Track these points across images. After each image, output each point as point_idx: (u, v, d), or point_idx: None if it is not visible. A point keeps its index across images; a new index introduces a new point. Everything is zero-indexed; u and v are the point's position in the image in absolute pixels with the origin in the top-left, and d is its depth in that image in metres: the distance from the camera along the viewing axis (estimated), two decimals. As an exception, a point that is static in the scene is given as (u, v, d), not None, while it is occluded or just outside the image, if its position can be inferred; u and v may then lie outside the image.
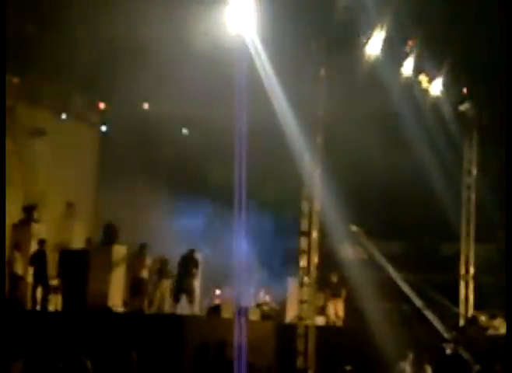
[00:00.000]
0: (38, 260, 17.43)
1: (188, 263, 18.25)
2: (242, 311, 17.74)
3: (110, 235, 17.90)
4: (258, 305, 19.50)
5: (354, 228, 20.48)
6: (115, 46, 16.43)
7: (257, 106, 15.52)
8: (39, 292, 17.44)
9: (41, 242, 17.70)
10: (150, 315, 17.30)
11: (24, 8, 15.49)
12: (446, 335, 17.60)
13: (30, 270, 17.58)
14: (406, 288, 19.81)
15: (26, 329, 15.36)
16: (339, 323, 19.73)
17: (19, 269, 17.68)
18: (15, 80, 18.88)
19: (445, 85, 19.07)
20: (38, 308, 17.24)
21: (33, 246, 17.94)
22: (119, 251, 17.73)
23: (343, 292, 19.73)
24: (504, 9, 14.83)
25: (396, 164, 19.97)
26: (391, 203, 21.04)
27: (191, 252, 18.34)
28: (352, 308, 19.51)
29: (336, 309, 19.88)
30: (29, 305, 17.36)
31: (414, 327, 18.98)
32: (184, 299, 18.14)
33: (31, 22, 16.08)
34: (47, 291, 17.60)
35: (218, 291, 19.36)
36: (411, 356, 16.22)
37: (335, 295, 19.85)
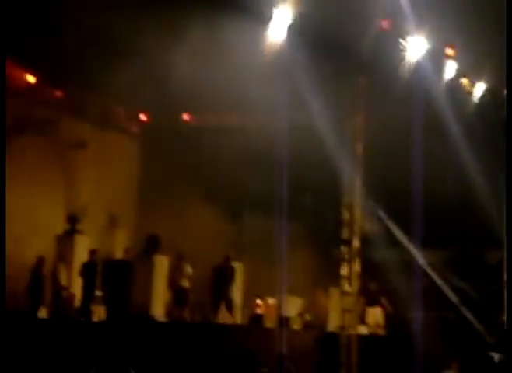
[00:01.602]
0: (89, 271, 17.54)
1: (224, 270, 18.30)
2: (284, 321, 17.74)
3: (152, 245, 18.04)
4: (300, 315, 19.42)
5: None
6: (155, 57, 16.59)
7: (297, 115, 15.58)
8: (86, 302, 17.54)
9: (92, 253, 17.79)
10: (193, 324, 17.35)
11: (66, 21, 15.75)
12: (492, 343, 17.36)
13: (78, 281, 17.69)
14: (451, 296, 19.58)
15: (76, 339, 15.55)
16: (381, 332, 19.55)
17: (63, 279, 17.86)
18: (58, 93, 19.16)
19: (488, 89, 18.90)
20: (85, 318, 17.35)
21: (77, 257, 18.10)
22: (161, 261, 17.85)
23: (382, 300, 19.55)
24: (505, 9, 14.57)
25: (438, 171, 19.76)
26: (434, 210, 20.81)
27: (226, 259, 18.38)
28: (394, 316, 19.32)
29: (376, 318, 19.71)
30: (75, 316, 17.49)
31: (459, 336, 18.73)
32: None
33: (73, 35, 16.26)
34: (92, 301, 17.73)
35: (259, 301, 19.31)
36: (455, 365, 16.02)
37: (374, 303, 19.68)
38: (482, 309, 20.01)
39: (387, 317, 19.51)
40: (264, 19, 15.21)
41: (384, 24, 16.50)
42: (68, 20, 15.59)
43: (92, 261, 17.66)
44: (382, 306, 19.53)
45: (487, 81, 18.91)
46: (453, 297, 19.60)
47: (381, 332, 19.57)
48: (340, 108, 16.53)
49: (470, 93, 19.09)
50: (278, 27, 15.45)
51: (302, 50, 15.81)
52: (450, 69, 18.30)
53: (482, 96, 19.04)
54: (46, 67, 17.47)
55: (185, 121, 21.61)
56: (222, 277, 18.17)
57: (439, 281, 19.98)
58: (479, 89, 19.05)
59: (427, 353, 16.54)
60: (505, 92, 19.34)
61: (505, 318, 16.62)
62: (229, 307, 18.17)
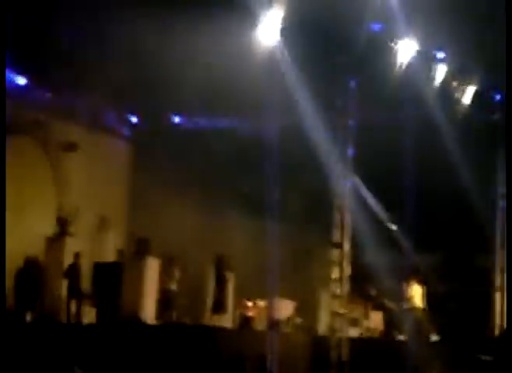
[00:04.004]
0: (72, 273, 17.53)
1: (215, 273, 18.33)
2: (274, 323, 17.73)
3: (142, 247, 18.00)
4: (290, 317, 19.43)
5: (394, 226, 20.27)
6: (146, 60, 16.56)
7: (288, 117, 15.59)
8: (73, 305, 17.51)
9: (76, 256, 17.81)
10: (182, 326, 17.31)
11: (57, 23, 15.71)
12: (481, 345, 17.39)
13: (64, 283, 17.68)
14: (440, 299, 19.63)
15: (61, 342, 15.50)
16: (375, 335, 19.59)
17: (51, 281, 17.80)
18: (49, 95, 19.10)
19: (477, 93, 18.93)
20: (72, 320, 17.32)
21: (67, 260, 18.05)
22: (152, 264, 17.81)
23: (386, 303, 19.58)
24: (505, 9, 14.61)
25: (428, 174, 19.79)
26: (425, 213, 20.82)
27: (218, 262, 18.39)
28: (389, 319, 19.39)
29: (376, 322, 19.75)
30: (62, 318, 17.45)
31: (447, 337, 18.76)
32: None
33: (64, 38, 16.23)
34: (81, 303, 17.69)
35: (249, 303, 19.32)
36: (441, 366, 16.06)
37: (377, 308, 19.71)
38: (470, 312, 20.06)
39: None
40: (254, 20, 15.18)
41: (375, 27, 16.54)
42: (58, 21, 15.55)
43: (75, 263, 17.64)
44: (385, 310, 19.56)
45: (477, 84, 18.94)
46: (442, 299, 19.63)
47: (375, 335, 19.63)
48: (331, 109, 16.54)
49: (460, 96, 19.11)
50: (269, 29, 15.42)
51: (292, 51, 15.82)
52: (441, 72, 18.32)
53: (473, 99, 19.06)
54: (36, 68, 17.43)
55: (176, 124, 21.62)
56: (211, 279, 18.19)
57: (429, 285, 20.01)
58: (470, 92, 19.07)
59: (417, 356, 16.56)
60: (495, 94, 19.51)
61: (505, 317, 16.67)
62: (220, 309, 18.17)
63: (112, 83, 16.61)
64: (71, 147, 19.46)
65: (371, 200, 18.81)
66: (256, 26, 15.26)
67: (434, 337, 18.36)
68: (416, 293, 18.94)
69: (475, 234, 20.24)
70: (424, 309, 18.75)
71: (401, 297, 18.82)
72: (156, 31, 15.11)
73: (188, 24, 15.00)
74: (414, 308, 18.60)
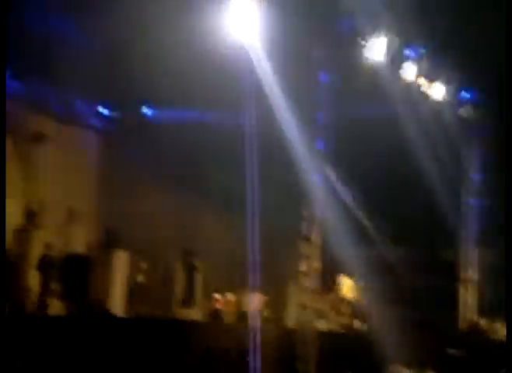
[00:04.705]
0: (45, 265, 17.35)
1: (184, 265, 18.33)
2: (243, 316, 17.78)
3: (111, 240, 17.93)
4: (259, 310, 19.47)
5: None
6: (116, 49, 16.47)
7: (260, 110, 15.57)
8: (43, 297, 17.35)
9: (47, 247, 17.61)
10: (151, 319, 17.26)
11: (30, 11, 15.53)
12: (449, 339, 17.64)
13: (35, 275, 17.49)
14: (409, 293, 19.86)
15: (30, 334, 15.34)
16: (341, 328, 19.76)
17: (19, 274, 17.62)
18: (18, 85, 18.87)
19: (446, 88, 19.13)
20: (41, 312, 17.16)
21: (35, 251, 17.87)
22: (120, 256, 17.75)
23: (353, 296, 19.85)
24: (505, 9, 14.84)
25: (397, 169, 19.99)
26: (392, 207, 21.04)
27: (187, 255, 18.37)
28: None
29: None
30: (31, 310, 17.28)
31: (415, 331, 18.98)
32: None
33: (36, 26, 16.05)
34: (49, 295, 17.54)
35: (217, 295, 19.33)
36: (410, 360, 16.25)
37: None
38: (438, 306, 20.31)
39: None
40: (229, 11, 15.16)
41: (346, 23, 16.64)
42: (30, 9, 15.38)
43: (47, 255, 17.47)
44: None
45: (445, 81, 19.15)
46: (411, 293, 19.87)
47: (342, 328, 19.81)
48: (304, 105, 16.60)
49: (428, 93, 19.31)
50: (243, 21, 15.40)
51: (264, 45, 15.83)
52: (410, 70, 18.48)
53: (443, 96, 19.28)
54: (6, 57, 17.18)
55: (147, 115, 21.53)
56: (181, 272, 18.18)
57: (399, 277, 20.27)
58: (438, 89, 19.28)
59: (385, 349, 16.72)
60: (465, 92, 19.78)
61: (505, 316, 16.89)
62: (189, 302, 18.16)
63: (83, 74, 16.48)
64: (40, 138, 19.26)
65: (343, 194, 18.92)
66: (231, 18, 15.23)
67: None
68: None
69: (442, 229, 20.52)
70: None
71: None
72: (130, 21, 15.02)
73: (163, 14, 14.94)
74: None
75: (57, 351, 15.07)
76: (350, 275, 19.61)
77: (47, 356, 14.93)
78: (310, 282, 16.94)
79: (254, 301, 19.36)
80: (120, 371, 14.97)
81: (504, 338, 17.08)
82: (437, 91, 19.27)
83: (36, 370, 14.45)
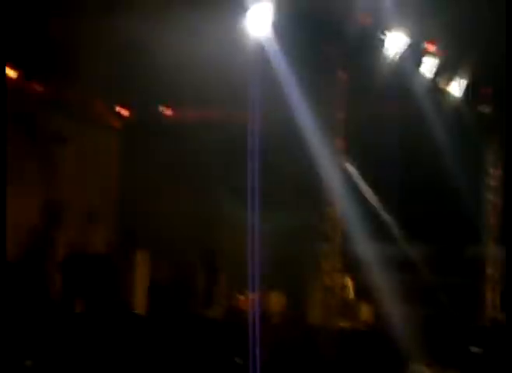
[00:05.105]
0: (69, 266, 17.45)
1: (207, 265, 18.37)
2: (261, 315, 17.75)
3: (131, 240, 18.01)
4: (281, 310, 19.47)
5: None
6: (133, 51, 16.51)
7: (277, 109, 15.57)
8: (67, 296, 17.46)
9: (69, 247, 17.71)
10: (171, 317, 17.31)
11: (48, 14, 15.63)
12: (471, 337, 17.50)
13: (59, 275, 17.60)
14: (430, 291, 19.74)
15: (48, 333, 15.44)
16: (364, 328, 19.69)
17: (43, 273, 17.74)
18: (38, 87, 18.99)
19: (466, 85, 19.00)
20: (64, 311, 17.26)
21: (57, 251, 18.00)
22: (141, 256, 17.83)
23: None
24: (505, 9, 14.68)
25: (418, 166, 19.86)
26: (412, 204, 20.92)
27: (210, 255, 18.42)
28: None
29: (366, 315, 19.88)
30: (54, 309, 17.37)
31: (437, 330, 18.86)
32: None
33: (54, 29, 16.14)
34: (72, 295, 17.64)
35: (240, 295, 19.33)
36: (429, 358, 16.15)
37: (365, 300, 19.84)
38: (460, 304, 20.15)
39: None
40: (244, 11, 15.16)
41: (365, 19, 16.54)
42: (49, 12, 15.46)
43: (71, 256, 17.59)
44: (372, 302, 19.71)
45: (467, 78, 19.02)
46: (430, 292, 19.75)
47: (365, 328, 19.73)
48: (320, 103, 16.55)
49: (447, 89, 19.19)
50: (259, 20, 15.39)
51: (281, 44, 15.80)
52: (431, 65, 18.36)
53: (463, 92, 19.15)
54: (25, 59, 17.32)
55: (167, 116, 21.58)
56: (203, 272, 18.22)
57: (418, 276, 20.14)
58: (459, 85, 19.15)
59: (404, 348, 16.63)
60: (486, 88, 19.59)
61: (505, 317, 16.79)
62: (210, 302, 18.21)
63: (103, 74, 16.54)
64: (59, 139, 19.37)
65: (365, 191, 18.85)
66: (246, 17, 15.23)
67: None
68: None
69: (465, 225, 20.36)
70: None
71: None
72: (146, 23, 15.05)
73: (178, 15, 14.94)
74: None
75: (77, 350, 15.16)
76: (369, 273, 19.43)
77: (67, 355, 15.03)
78: (331, 280, 16.92)
79: (276, 300, 19.41)
80: (142, 370, 15.05)
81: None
82: (456, 87, 19.13)
83: (52, 369, 14.56)
